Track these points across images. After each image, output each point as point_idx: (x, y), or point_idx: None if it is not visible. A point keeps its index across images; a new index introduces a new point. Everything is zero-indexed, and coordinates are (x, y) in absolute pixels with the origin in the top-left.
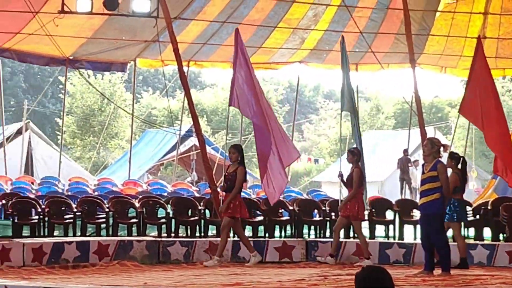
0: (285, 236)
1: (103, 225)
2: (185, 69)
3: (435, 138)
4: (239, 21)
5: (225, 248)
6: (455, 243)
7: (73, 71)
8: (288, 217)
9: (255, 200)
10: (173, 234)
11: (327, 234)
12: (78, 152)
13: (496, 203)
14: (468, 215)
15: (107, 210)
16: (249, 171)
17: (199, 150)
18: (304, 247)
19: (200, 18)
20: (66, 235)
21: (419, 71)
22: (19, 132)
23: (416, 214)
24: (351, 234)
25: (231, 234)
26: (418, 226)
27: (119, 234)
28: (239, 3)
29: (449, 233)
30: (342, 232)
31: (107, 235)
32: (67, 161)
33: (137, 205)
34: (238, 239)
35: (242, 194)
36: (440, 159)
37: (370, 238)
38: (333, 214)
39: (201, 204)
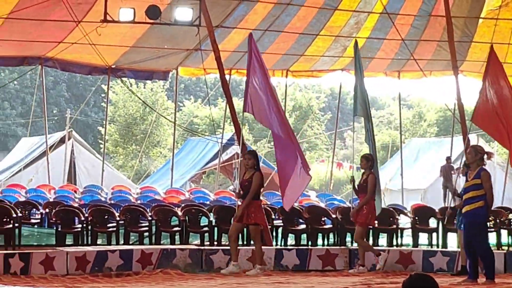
0: (328, 244)
1: (146, 234)
2: (227, 77)
3: (478, 145)
4: (281, 29)
5: (264, 255)
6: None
7: (115, 79)
8: (330, 225)
9: (297, 208)
10: (215, 243)
11: (370, 242)
12: (120, 160)
13: None
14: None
15: (150, 218)
16: None
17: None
18: (347, 255)
19: (242, 27)
20: (109, 243)
21: (462, 78)
22: (62, 141)
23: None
24: (394, 242)
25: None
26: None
27: (162, 242)
28: (281, 11)
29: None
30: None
31: (150, 244)
32: (110, 170)
33: (180, 213)
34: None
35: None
36: (484, 166)
37: (413, 246)
38: (376, 222)
39: None
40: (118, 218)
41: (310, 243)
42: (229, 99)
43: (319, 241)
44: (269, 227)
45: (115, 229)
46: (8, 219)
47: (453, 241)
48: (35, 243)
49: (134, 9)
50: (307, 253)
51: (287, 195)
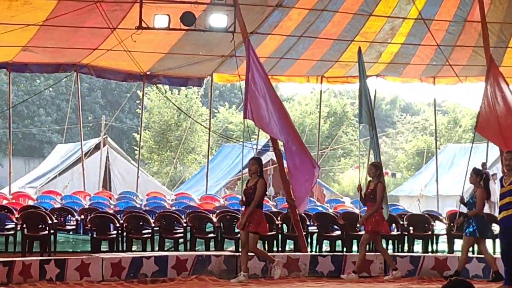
0: None
1: (181, 240)
2: None
3: None
4: (316, 35)
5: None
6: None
7: (150, 86)
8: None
9: (332, 214)
10: None
11: (405, 248)
12: (155, 167)
13: None
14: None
15: (184, 225)
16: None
17: (276, 165)
18: (383, 261)
19: (277, 33)
20: (144, 250)
21: None
22: (97, 148)
23: (496, 228)
24: (429, 248)
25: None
26: (498, 240)
27: (196, 249)
28: (316, 17)
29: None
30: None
31: (185, 250)
32: (145, 176)
33: (215, 220)
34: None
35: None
36: None
37: (448, 253)
38: (411, 228)
39: (279, 218)
40: (153, 225)
41: (345, 249)
42: None
43: (354, 248)
44: (303, 233)
45: (150, 235)
46: (43, 226)
47: (488, 248)
48: (70, 250)
49: (169, 15)
50: (342, 259)
51: (299, 197)
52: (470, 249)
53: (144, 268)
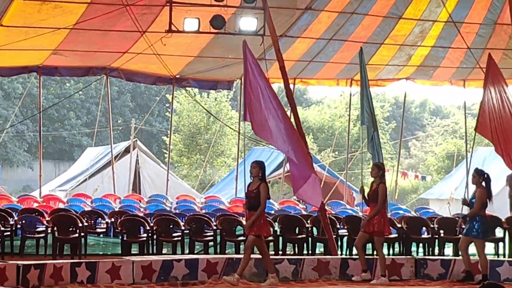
0: (393, 254)
1: (211, 243)
2: (291, 86)
3: None
4: (345, 38)
5: (246, 267)
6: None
7: (179, 89)
8: (396, 235)
9: (363, 217)
10: (280, 252)
11: (436, 251)
12: (185, 170)
13: None
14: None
15: (214, 228)
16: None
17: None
18: (413, 264)
19: (306, 36)
20: (174, 252)
21: None
22: (127, 151)
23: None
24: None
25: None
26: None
27: (227, 251)
28: (345, 20)
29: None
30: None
31: (215, 253)
32: (174, 179)
33: (245, 223)
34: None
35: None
36: None
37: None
38: (441, 231)
39: (308, 221)
40: (183, 228)
41: (375, 252)
42: (293, 109)
43: (385, 251)
44: (333, 236)
45: (180, 238)
46: (74, 229)
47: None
48: (101, 253)
49: (198, 19)
50: (373, 263)
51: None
52: (501, 251)
53: (174, 271)
